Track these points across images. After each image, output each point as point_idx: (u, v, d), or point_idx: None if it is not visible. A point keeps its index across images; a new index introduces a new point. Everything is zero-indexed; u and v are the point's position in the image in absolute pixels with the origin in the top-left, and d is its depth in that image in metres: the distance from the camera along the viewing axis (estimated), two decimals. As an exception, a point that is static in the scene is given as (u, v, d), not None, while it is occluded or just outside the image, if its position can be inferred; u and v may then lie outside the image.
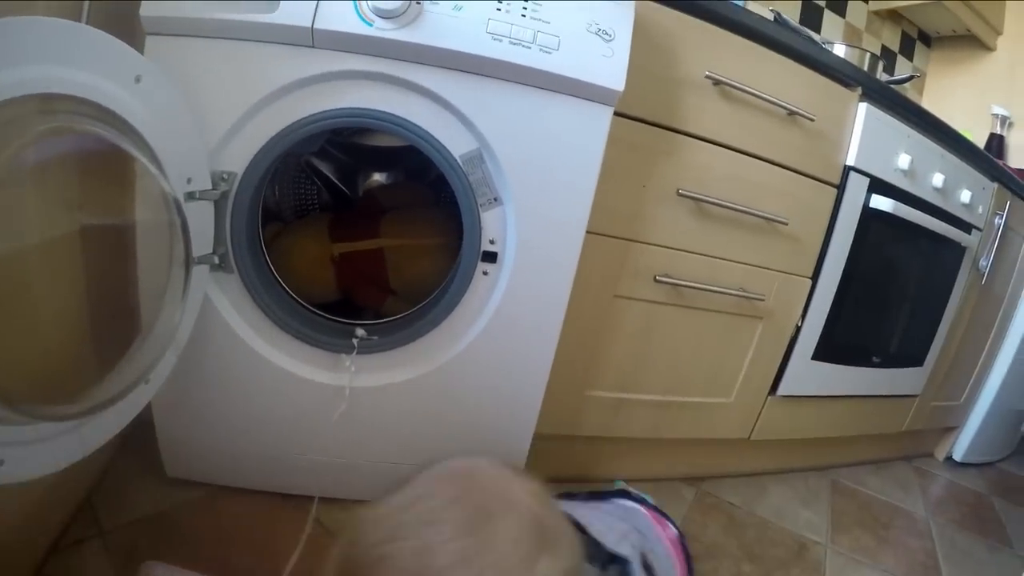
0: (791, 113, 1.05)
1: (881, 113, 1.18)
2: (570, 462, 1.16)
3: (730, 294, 1.08)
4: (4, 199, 0.55)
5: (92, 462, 0.81)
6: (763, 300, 1.12)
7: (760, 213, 1.05)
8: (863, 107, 1.15)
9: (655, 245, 1.01)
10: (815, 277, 1.20)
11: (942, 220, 1.35)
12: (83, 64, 0.55)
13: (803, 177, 1.11)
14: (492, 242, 0.86)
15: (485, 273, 0.87)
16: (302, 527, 0.86)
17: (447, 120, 0.80)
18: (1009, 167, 1.64)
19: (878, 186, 1.22)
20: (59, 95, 0.52)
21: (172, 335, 0.71)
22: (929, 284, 1.48)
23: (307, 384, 0.86)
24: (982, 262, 1.55)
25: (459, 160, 0.82)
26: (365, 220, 1.04)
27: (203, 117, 0.74)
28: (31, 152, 0.56)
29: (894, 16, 1.98)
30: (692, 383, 1.16)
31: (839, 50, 1.46)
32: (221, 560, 0.80)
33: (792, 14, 1.73)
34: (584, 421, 1.09)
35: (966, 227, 1.45)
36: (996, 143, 1.85)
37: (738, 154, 1.03)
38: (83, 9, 0.71)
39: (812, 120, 1.06)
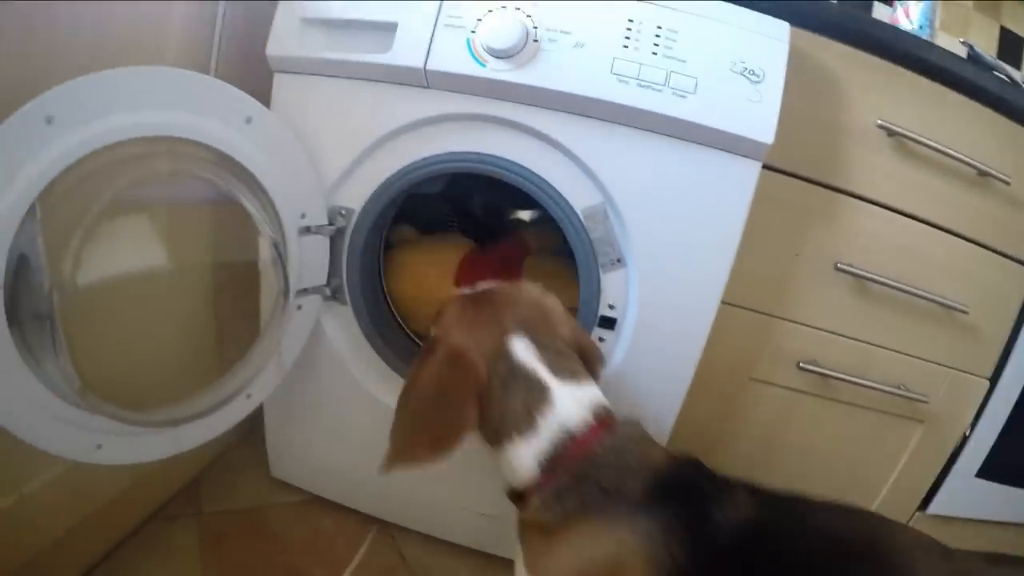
0: (982, 174, 0.85)
1: None
2: None
3: (886, 391, 0.88)
4: (127, 223, 0.62)
5: (207, 446, 0.90)
6: (926, 402, 0.91)
7: (935, 297, 0.85)
8: (1072, 171, 0.93)
9: (803, 325, 0.85)
10: (994, 379, 0.97)
11: None
12: (196, 108, 0.60)
13: (991, 253, 0.90)
14: (612, 307, 0.75)
15: (601, 340, 0.76)
16: (384, 553, 0.90)
17: (569, 169, 0.72)
18: None
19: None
20: (169, 138, 0.58)
21: (267, 356, 0.74)
22: None
23: None
24: None
25: (580, 215, 0.73)
26: (504, 264, 0.93)
27: (325, 153, 0.76)
28: (160, 190, 0.66)
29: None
30: (828, 485, 0.96)
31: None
32: (294, 565, 0.85)
33: (988, 47, 1.50)
34: None
35: None
36: None
37: (912, 221, 0.85)
38: (212, 52, 0.78)
39: (1008, 183, 0.86)
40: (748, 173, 0.71)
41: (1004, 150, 0.87)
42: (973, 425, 0.98)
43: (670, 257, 0.72)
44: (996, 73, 1.24)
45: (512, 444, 0.55)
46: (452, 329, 0.59)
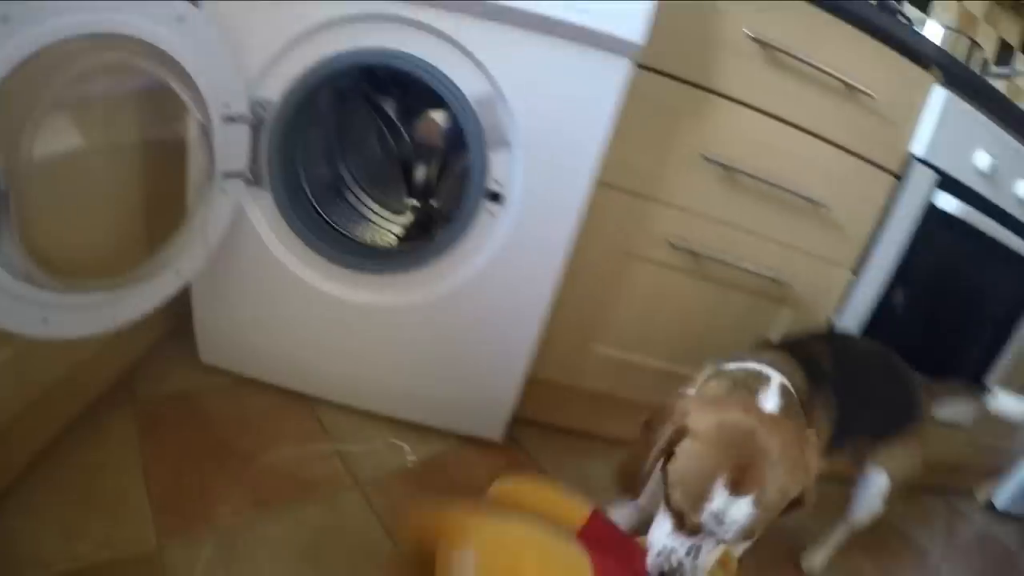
0: (849, 87, 0.96)
1: (961, 102, 1.06)
2: (572, 414, 1.17)
3: (754, 272, 1.01)
4: (71, 115, 0.68)
5: (138, 342, 1.01)
6: (791, 286, 1.05)
7: (798, 192, 0.97)
8: (940, 92, 1.03)
9: (675, 207, 0.97)
10: (857, 271, 1.10)
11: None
12: (133, 8, 0.66)
13: (857, 159, 1.02)
14: (498, 183, 0.87)
15: (490, 213, 0.88)
16: (303, 423, 1.00)
17: (463, 63, 0.82)
18: None
19: (948, 184, 1.10)
20: (110, 34, 0.65)
21: (194, 234, 0.83)
22: (1000, 308, 1.32)
23: (323, 296, 0.95)
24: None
25: (471, 101, 0.83)
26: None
27: (248, 50, 0.83)
28: (101, 82, 0.70)
29: (1019, 6, 1.75)
30: (704, 358, 1.10)
31: (933, 29, 1.32)
32: (225, 440, 0.92)
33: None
34: (587, 374, 1.09)
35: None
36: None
37: (781, 124, 0.97)
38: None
39: (872, 97, 0.97)
40: (619, 69, 0.81)
41: (873, 69, 0.98)
42: (839, 313, 1.12)
43: (549, 141, 0.84)
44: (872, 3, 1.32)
45: None
46: None
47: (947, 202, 1.09)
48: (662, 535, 0.62)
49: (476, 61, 0.81)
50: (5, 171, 0.58)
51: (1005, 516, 1.76)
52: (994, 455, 1.65)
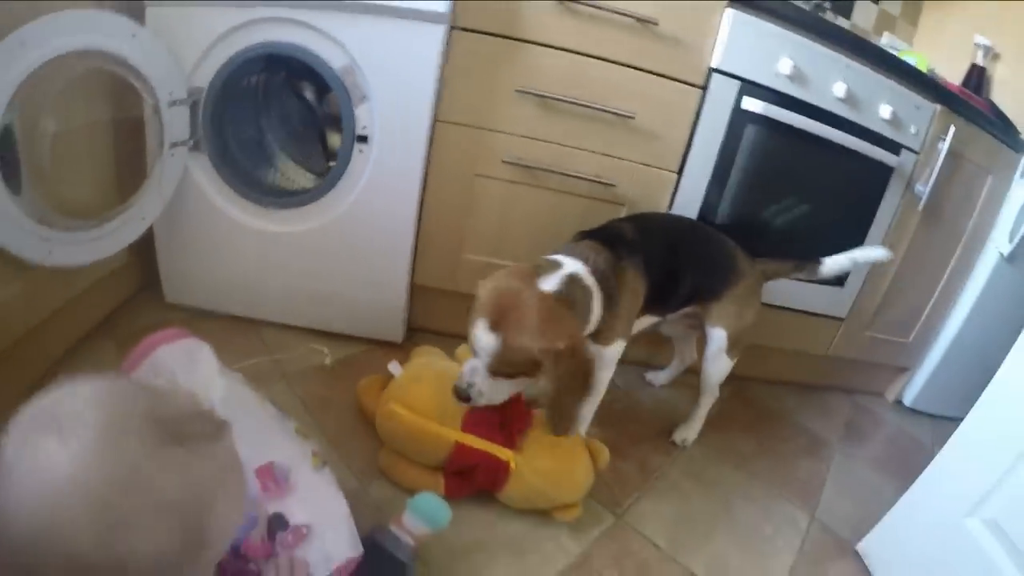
0: (640, 20, 1.21)
1: (753, 18, 1.26)
2: (454, 317, 1.44)
3: (581, 178, 1.29)
4: (65, 104, 0.97)
5: (117, 292, 1.32)
6: (615, 186, 1.31)
7: (604, 107, 1.24)
8: (729, 12, 1.25)
9: (504, 133, 1.26)
10: (680, 172, 1.35)
11: (849, 133, 1.38)
12: (102, 31, 0.96)
13: (659, 78, 1.27)
14: (364, 128, 1.19)
15: (361, 151, 1.20)
16: (248, 340, 1.29)
17: (328, 44, 1.14)
18: (981, 100, 1.58)
19: (754, 89, 1.32)
20: (89, 50, 0.94)
21: (153, 188, 1.15)
22: (845, 202, 1.51)
23: (251, 231, 1.27)
24: (918, 187, 1.51)
25: (336, 71, 1.16)
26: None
27: (183, 52, 1.13)
28: (80, 78, 0.98)
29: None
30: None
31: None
32: None
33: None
34: (460, 279, 1.40)
35: (892, 146, 1.45)
36: (976, 76, 1.74)
37: (585, 57, 1.22)
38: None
39: (656, 24, 1.22)
40: (436, 33, 1.13)
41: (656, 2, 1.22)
42: (671, 208, 1.37)
43: (395, 93, 1.16)
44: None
45: None
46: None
47: (753, 104, 1.32)
48: (468, 365, 0.94)
49: (337, 42, 1.13)
50: (26, 142, 0.87)
51: (914, 412, 1.85)
52: (889, 351, 1.79)
